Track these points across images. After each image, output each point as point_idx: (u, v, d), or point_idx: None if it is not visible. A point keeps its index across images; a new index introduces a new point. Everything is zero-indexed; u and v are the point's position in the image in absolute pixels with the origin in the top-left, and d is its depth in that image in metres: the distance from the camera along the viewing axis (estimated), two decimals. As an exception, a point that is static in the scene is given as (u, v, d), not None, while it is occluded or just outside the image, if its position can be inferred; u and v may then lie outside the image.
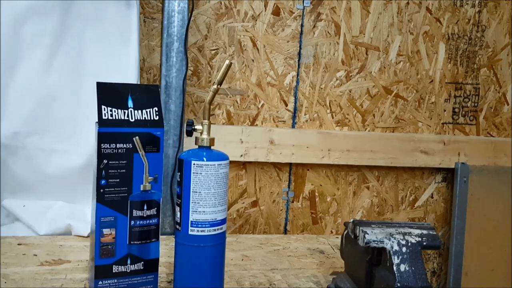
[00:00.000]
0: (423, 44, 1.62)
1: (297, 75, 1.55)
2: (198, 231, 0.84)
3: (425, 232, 0.82)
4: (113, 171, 0.84)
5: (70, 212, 1.30)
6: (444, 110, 1.67)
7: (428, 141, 1.63)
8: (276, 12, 1.52)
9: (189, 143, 1.39)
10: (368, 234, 0.80)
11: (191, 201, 0.84)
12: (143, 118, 0.87)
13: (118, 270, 0.86)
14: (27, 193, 1.30)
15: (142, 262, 0.88)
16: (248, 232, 1.58)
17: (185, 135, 1.23)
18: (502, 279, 1.67)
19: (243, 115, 1.53)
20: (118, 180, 0.85)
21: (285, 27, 1.53)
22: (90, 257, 0.91)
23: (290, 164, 1.58)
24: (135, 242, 0.87)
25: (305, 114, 1.57)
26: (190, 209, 0.84)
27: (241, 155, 1.49)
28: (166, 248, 1.15)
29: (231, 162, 1.43)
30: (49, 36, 1.24)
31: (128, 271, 0.87)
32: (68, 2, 1.25)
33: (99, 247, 0.85)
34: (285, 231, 1.61)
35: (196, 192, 0.83)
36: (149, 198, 0.88)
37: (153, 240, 0.88)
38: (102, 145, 0.84)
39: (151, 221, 0.88)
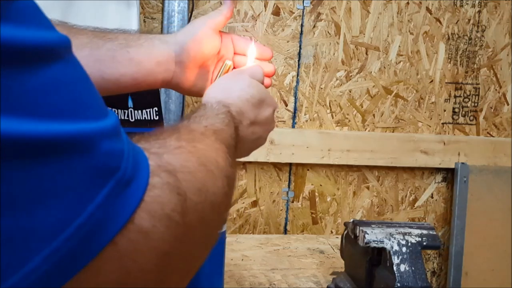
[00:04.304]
0: (423, 44, 1.62)
1: (297, 75, 1.55)
2: (198, 231, 0.84)
3: (425, 232, 0.82)
4: (113, 171, 0.84)
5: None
6: (444, 110, 1.67)
7: (428, 141, 1.63)
8: (276, 12, 1.52)
9: (189, 143, 1.39)
10: (368, 234, 0.80)
11: (191, 201, 0.84)
12: (143, 118, 0.87)
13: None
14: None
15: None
16: (248, 232, 1.58)
17: (185, 135, 1.23)
18: (502, 279, 1.67)
19: (243, 115, 1.53)
20: (118, 180, 0.85)
21: (285, 27, 1.53)
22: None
23: (290, 164, 1.58)
24: (135, 242, 0.87)
25: (305, 114, 1.57)
26: (190, 209, 0.84)
27: (241, 155, 1.49)
28: (166, 248, 1.14)
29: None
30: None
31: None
32: (68, 2, 1.25)
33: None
34: (285, 231, 1.61)
35: (196, 192, 0.83)
36: (149, 198, 0.87)
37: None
38: (102, 145, 0.84)
39: (151, 221, 0.88)
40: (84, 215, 0.27)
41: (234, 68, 0.76)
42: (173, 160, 0.35)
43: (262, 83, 0.67)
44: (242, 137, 0.59)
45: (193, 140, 0.43)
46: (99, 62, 0.64)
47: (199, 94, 0.74)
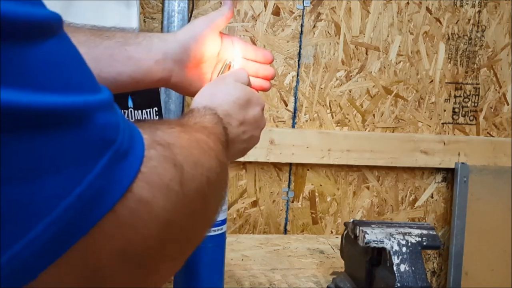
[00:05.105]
0: (423, 44, 1.62)
1: (297, 75, 1.55)
2: (198, 231, 0.84)
3: (425, 232, 0.82)
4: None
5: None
6: (444, 110, 1.67)
7: (428, 141, 1.63)
8: (276, 12, 1.52)
9: (189, 143, 1.39)
10: (368, 234, 0.80)
11: (191, 201, 0.84)
12: (143, 118, 0.87)
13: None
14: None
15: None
16: (248, 232, 1.58)
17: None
18: (502, 279, 1.67)
19: (243, 115, 1.53)
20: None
21: (285, 27, 1.53)
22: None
23: (290, 164, 1.58)
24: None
25: (305, 114, 1.57)
26: (190, 209, 0.84)
27: (241, 155, 1.49)
28: (166, 248, 1.14)
29: (231, 162, 1.43)
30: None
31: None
32: (68, 2, 1.25)
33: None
34: (285, 231, 1.61)
35: (196, 192, 0.83)
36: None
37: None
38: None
39: (151, 221, 0.88)
40: (84, 184, 0.29)
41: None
42: (166, 136, 0.37)
43: (249, 85, 0.67)
44: (232, 139, 0.60)
45: (184, 125, 0.45)
46: (96, 61, 0.64)
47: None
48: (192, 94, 0.73)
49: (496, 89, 1.70)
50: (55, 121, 0.28)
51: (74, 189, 0.28)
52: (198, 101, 0.61)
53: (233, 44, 0.75)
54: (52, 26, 0.30)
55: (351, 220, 0.87)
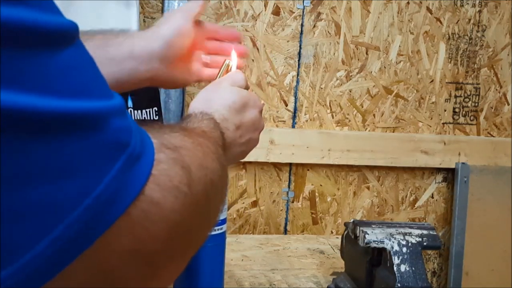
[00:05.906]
0: (423, 44, 1.62)
1: (297, 75, 1.55)
2: (198, 231, 0.84)
3: (425, 232, 0.82)
4: (112, 171, 0.84)
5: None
6: (445, 110, 1.66)
7: (429, 141, 1.63)
8: (276, 12, 1.51)
9: (189, 143, 1.39)
10: (368, 234, 0.80)
11: (191, 201, 0.83)
12: (143, 118, 0.87)
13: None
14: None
15: (142, 263, 0.87)
16: (248, 232, 1.58)
17: (185, 135, 1.23)
18: (502, 279, 1.67)
19: (243, 115, 1.53)
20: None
21: (285, 27, 1.53)
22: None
23: (290, 164, 1.58)
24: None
25: (305, 114, 1.57)
26: (190, 209, 0.83)
27: (241, 155, 1.49)
28: (166, 248, 1.14)
29: (230, 165, 1.43)
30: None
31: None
32: (68, 2, 1.25)
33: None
34: (285, 231, 1.61)
35: (196, 192, 0.83)
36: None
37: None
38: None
39: (151, 221, 0.88)
40: (100, 187, 0.30)
41: (215, 53, 0.75)
42: (173, 140, 0.39)
43: (246, 87, 0.68)
44: (230, 143, 0.61)
45: (186, 129, 0.47)
46: None
47: (183, 85, 0.75)
48: (178, 87, 0.74)
49: (496, 89, 1.69)
50: (73, 125, 0.29)
51: (93, 191, 0.29)
52: (195, 106, 0.61)
53: (201, 26, 0.74)
54: (71, 34, 0.31)
55: (351, 220, 0.87)
